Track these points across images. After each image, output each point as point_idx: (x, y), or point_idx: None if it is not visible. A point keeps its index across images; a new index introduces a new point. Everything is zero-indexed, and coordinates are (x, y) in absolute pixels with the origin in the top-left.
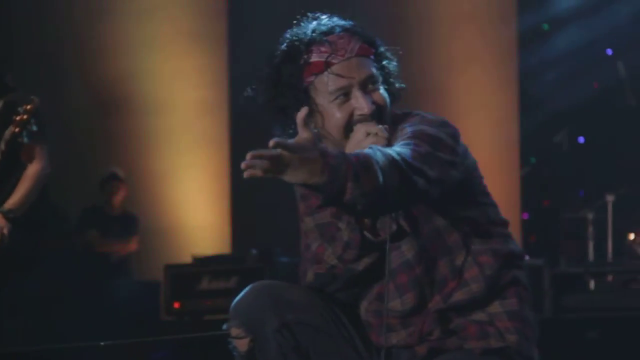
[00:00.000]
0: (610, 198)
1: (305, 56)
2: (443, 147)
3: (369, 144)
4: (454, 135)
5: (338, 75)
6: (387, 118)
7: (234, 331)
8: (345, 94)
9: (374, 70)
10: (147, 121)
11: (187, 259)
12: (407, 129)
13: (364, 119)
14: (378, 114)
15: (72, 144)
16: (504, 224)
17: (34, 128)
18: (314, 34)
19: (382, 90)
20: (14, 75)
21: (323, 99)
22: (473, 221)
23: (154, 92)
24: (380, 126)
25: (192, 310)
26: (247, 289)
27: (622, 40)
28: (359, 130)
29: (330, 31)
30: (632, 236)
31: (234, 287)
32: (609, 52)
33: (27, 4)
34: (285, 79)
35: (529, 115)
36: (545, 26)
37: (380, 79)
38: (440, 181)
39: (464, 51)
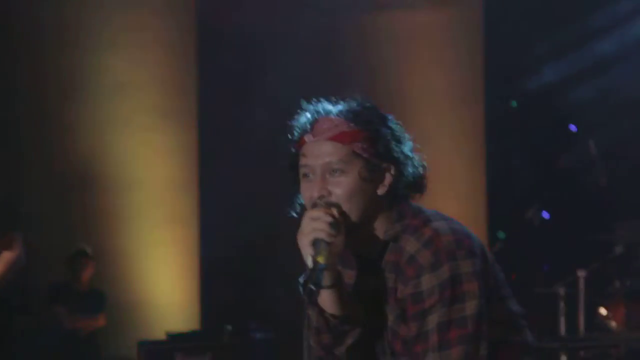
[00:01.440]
0: (581, 273)
1: (297, 133)
2: (470, 311)
3: (310, 229)
4: (472, 261)
5: (304, 155)
6: (355, 208)
7: None
8: (307, 175)
9: (341, 159)
10: (117, 198)
11: (157, 335)
12: (431, 320)
13: (315, 204)
14: (331, 203)
15: (41, 221)
16: (522, 315)
17: None
18: (312, 113)
19: (348, 180)
20: None
21: (300, 175)
22: (494, 315)
23: (124, 169)
24: (321, 211)
25: None
26: None
27: (589, 118)
28: (305, 216)
29: (326, 112)
30: (603, 311)
31: None
32: (573, 128)
33: None
34: (288, 153)
35: (497, 192)
36: (514, 103)
37: (359, 166)
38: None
39: (434, 128)
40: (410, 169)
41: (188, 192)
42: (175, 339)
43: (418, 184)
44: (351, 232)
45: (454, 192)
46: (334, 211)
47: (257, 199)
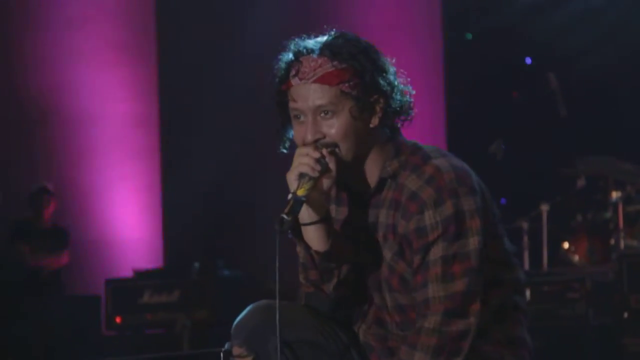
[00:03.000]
0: (544, 207)
1: (283, 72)
2: (473, 246)
3: (296, 164)
4: (474, 198)
5: (293, 98)
6: (351, 147)
7: (236, 350)
8: (298, 116)
9: (331, 100)
10: (78, 134)
11: (121, 272)
12: (431, 252)
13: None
14: (325, 144)
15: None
16: (514, 253)
17: None
18: (295, 53)
19: (340, 120)
20: None
21: (291, 115)
22: (490, 253)
23: (84, 104)
24: (310, 147)
25: (133, 325)
26: (248, 308)
27: (547, 52)
28: (296, 154)
29: (309, 51)
30: (566, 245)
31: (176, 301)
32: (528, 61)
33: None
34: (273, 91)
35: (457, 126)
36: (469, 35)
37: (349, 105)
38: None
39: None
40: (397, 97)
41: (149, 127)
42: (143, 277)
43: (406, 111)
44: (347, 170)
45: (415, 126)
46: (324, 151)
47: (221, 135)
